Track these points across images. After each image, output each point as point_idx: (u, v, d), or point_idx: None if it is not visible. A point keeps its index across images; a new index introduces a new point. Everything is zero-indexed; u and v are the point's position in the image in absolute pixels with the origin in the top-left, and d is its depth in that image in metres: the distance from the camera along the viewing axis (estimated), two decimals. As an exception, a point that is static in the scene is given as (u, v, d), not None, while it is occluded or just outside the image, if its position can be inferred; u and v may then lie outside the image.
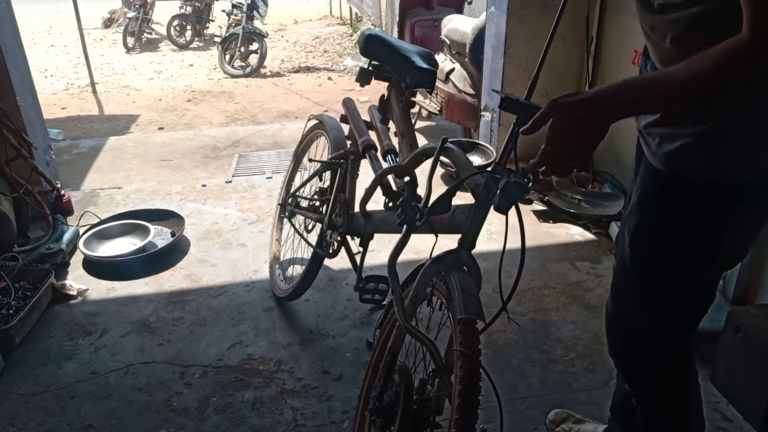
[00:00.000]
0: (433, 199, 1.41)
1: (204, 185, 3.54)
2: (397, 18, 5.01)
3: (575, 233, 2.95)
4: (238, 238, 2.94)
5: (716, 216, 1.14)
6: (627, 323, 1.33)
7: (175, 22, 8.44)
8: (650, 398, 1.38)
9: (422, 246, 1.54)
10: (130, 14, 8.33)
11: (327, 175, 2.26)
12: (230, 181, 3.59)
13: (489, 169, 1.35)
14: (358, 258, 2.08)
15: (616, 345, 1.39)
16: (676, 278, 1.22)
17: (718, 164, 1.09)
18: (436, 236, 1.43)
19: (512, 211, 1.27)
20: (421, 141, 1.90)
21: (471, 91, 3.74)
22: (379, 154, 2.01)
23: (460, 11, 4.99)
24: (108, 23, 9.87)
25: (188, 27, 8.55)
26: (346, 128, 2.24)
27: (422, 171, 1.52)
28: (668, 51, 1.09)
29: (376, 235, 2.04)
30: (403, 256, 1.44)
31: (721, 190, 1.11)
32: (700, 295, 1.25)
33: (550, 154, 1.00)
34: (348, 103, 2.26)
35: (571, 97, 0.97)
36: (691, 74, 0.91)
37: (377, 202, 1.81)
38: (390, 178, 1.77)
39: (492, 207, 1.30)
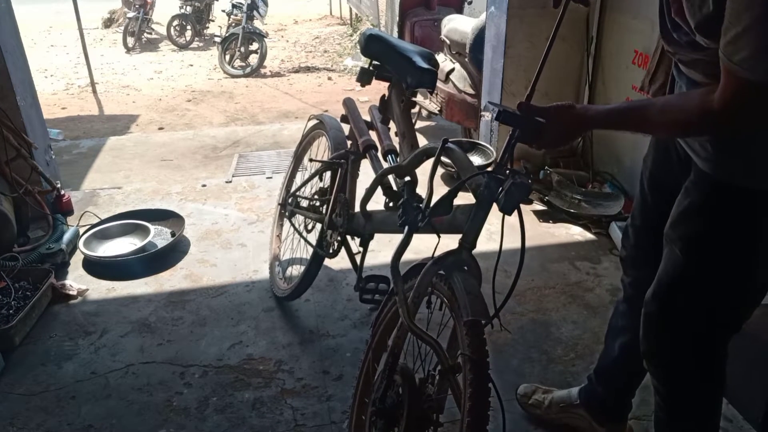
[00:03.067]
0: (434, 199, 1.42)
1: (204, 185, 3.54)
2: (397, 18, 5.02)
3: (575, 233, 2.95)
4: (238, 238, 2.94)
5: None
6: (677, 323, 1.31)
7: (175, 22, 8.45)
8: (684, 397, 1.38)
9: (423, 246, 1.54)
10: (130, 14, 8.34)
11: (327, 175, 2.26)
12: (230, 181, 3.59)
13: (489, 169, 1.35)
14: (358, 258, 2.08)
15: (660, 346, 1.36)
16: (733, 284, 1.21)
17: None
18: (439, 237, 1.43)
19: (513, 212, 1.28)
20: (422, 141, 1.90)
21: (471, 91, 3.74)
22: (379, 154, 2.01)
23: (460, 11, 4.99)
24: (108, 23, 9.88)
25: (188, 27, 8.55)
26: (346, 128, 2.24)
27: (422, 171, 1.52)
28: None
29: (376, 235, 2.05)
30: (404, 257, 1.44)
31: None
32: (753, 297, 1.25)
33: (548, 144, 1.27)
34: (348, 103, 2.26)
35: (568, 110, 1.22)
36: (663, 116, 1.08)
37: (377, 202, 1.81)
38: (390, 178, 1.77)
39: (495, 207, 1.31)
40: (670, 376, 1.36)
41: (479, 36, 3.50)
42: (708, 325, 1.27)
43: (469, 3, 5.17)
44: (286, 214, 2.50)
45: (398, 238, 1.47)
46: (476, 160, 3.28)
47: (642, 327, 1.36)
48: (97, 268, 2.70)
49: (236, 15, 7.56)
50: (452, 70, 3.88)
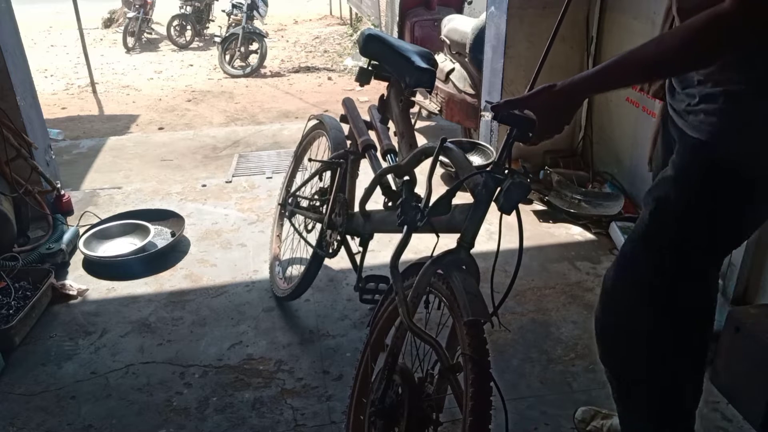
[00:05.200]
0: (432, 199, 1.42)
1: (204, 185, 3.54)
2: (397, 18, 5.01)
3: (575, 233, 2.95)
4: (238, 238, 2.94)
5: (745, 198, 1.16)
6: (627, 271, 1.34)
7: (175, 22, 8.44)
8: (641, 393, 1.39)
9: (422, 246, 1.54)
10: (130, 14, 8.34)
11: (327, 174, 2.26)
12: (230, 181, 3.59)
13: (488, 169, 1.35)
14: (358, 258, 2.08)
15: (615, 341, 1.39)
16: (690, 251, 1.24)
17: (755, 155, 1.11)
18: (438, 236, 1.43)
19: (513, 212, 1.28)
20: (421, 141, 1.90)
21: (471, 91, 3.74)
22: (378, 154, 2.01)
23: (460, 11, 4.99)
24: (108, 23, 9.88)
25: (188, 27, 8.55)
26: (346, 128, 2.25)
27: (422, 170, 1.52)
28: None
29: (376, 235, 2.04)
30: (403, 256, 1.44)
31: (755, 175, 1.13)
32: (704, 278, 1.27)
33: (541, 132, 1.25)
34: (348, 103, 2.26)
35: (549, 90, 1.19)
36: (662, 47, 1.03)
37: (377, 201, 1.81)
38: (389, 177, 1.77)
39: (493, 206, 1.31)
40: (625, 373, 1.40)
41: (479, 36, 3.50)
42: (657, 275, 1.29)
43: (469, 3, 5.17)
44: (286, 214, 2.50)
45: (398, 238, 1.47)
46: (476, 160, 3.28)
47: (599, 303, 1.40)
48: (97, 268, 2.70)
49: (236, 15, 7.55)
50: (452, 70, 3.87)
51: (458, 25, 3.80)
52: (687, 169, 1.22)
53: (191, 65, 7.56)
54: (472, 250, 1.39)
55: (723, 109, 1.13)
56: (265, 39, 7.18)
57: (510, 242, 1.35)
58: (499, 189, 1.29)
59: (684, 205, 1.23)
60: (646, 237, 1.30)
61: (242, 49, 7.12)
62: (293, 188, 2.55)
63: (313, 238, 2.29)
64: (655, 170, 1.47)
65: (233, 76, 6.94)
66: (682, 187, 1.23)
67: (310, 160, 2.37)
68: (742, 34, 0.96)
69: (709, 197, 1.19)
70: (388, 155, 1.95)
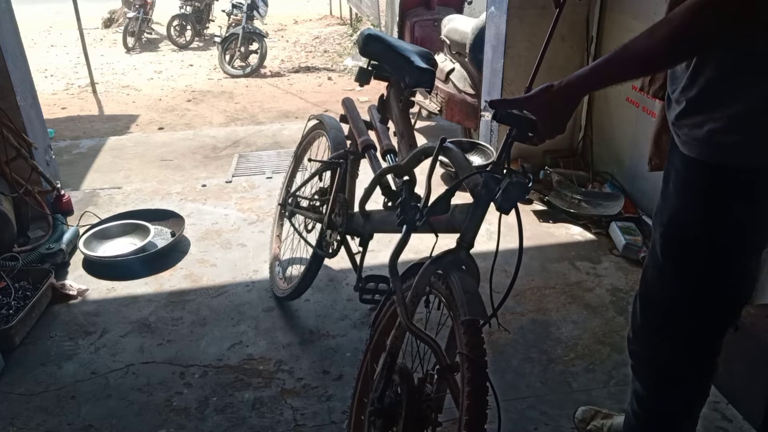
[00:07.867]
0: (432, 199, 1.42)
1: (204, 185, 3.54)
2: (397, 18, 5.01)
3: (575, 233, 2.95)
4: (238, 238, 2.94)
5: (750, 197, 1.15)
6: (662, 321, 1.33)
7: (175, 22, 8.44)
8: (665, 397, 1.39)
9: (422, 246, 1.54)
10: (130, 14, 8.33)
11: (327, 174, 2.26)
12: (230, 181, 3.59)
13: (487, 169, 1.35)
14: (358, 258, 2.08)
15: (649, 344, 1.38)
16: (714, 262, 1.22)
17: (748, 147, 1.10)
18: (437, 236, 1.43)
19: (512, 211, 1.28)
20: (421, 141, 1.90)
21: (471, 91, 3.74)
22: (378, 154, 2.01)
23: (460, 11, 4.99)
24: (108, 23, 9.87)
25: (188, 27, 8.54)
26: (345, 128, 2.25)
27: (422, 170, 1.53)
28: None
29: (376, 235, 2.05)
30: (403, 256, 1.44)
31: (753, 171, 1.12)
32: (739, 280, 1.25)
33: (544, 133, 1.24)
34: (347, 103, 2.26)
35: (547, 91, 1.18)
36: (653, 38, 1.01)
37: (377, 201, 1.81)
38: (389, 177, 1.77)
39: (493, 206, 1.31)
40: (654, 376, 1.39)
41: (479, 36, 3.50)
42: (696, 317, 1.28)
43: (469, 3, 5.16)
44: (286, 214, 2.50)
45: (398, 237, 1.47)
46: (476, 160, 3.28)
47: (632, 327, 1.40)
48: (97, 268, 2.70)
49: (236, 15, 7.55)
50: (452, 70, 3.87)
51: (458, 25, 3.80)
52: (686, 183, 1.21)
53: (191, 65, 7.56)
54: (472, 250, 1.39)
55: (702, 121, 1.12)
56: (265, 39, 7.18)
57: (510, 242, 1.35)
58: (497, 188, 1.29)
59: (691, 220, 1.21)
60: (674, 262, 1.27)
61: (242, 49, 7.11)
62: (293, 188, 2.55)
63: (313, 238, 2.29)
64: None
65: (233, 76, 6.94)
66: (684, 200, 1.22)
67: (310, 160, 2.37)
68: (721, 19, 0.94)
69: (716, 202, 1.18)
70: (388, 155, 1.95)
